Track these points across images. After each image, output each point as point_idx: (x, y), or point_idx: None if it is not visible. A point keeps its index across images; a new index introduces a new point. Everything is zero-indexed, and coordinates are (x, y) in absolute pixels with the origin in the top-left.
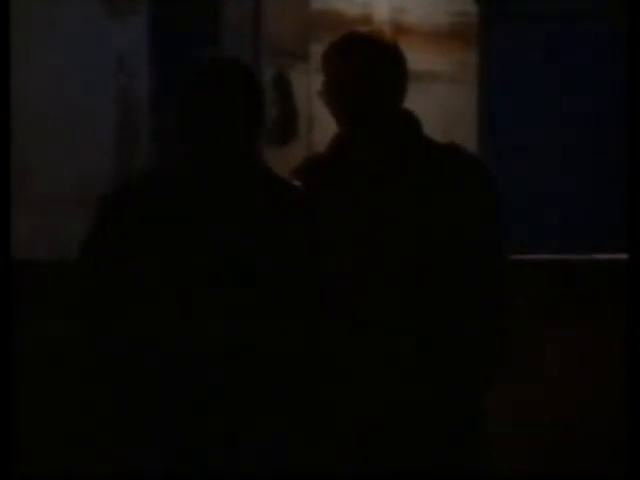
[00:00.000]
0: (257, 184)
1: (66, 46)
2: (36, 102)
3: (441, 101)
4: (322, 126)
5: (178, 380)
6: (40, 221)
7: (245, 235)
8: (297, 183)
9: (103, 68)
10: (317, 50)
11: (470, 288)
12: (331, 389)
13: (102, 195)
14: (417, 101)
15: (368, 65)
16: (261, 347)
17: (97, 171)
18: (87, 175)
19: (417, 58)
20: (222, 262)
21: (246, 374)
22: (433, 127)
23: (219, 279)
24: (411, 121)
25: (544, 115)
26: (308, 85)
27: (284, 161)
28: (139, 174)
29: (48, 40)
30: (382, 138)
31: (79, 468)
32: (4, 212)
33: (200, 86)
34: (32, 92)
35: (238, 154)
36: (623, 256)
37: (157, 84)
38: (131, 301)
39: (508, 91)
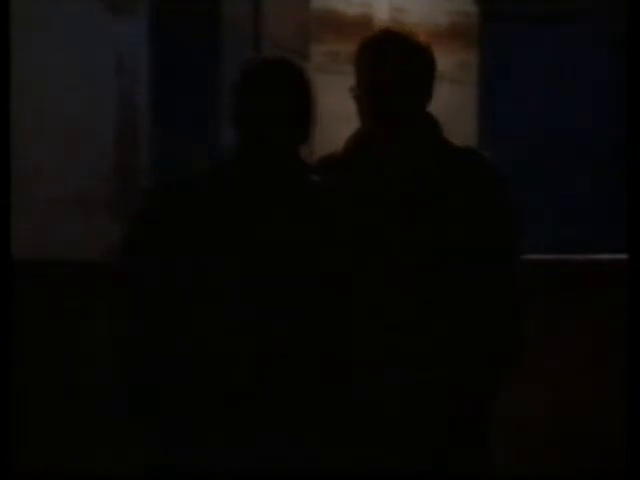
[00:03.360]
0: (298, 184)
1: (66, 46)
2: (36, 102)
3: (441, 101)
4: (322, 126)
5: (234, 377)
6: (40, 221)
7: (288, 232)
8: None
9: (103, 68)
10: (317, 50)
11: (486, 289)
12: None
13: (147, 191)
14: None
15: (404, 65)
16: (303, 345)
17: (97, 172)
18: (87, 175)
19: None
20: (265, 258)
21: (299, 371)
22: None
23: (264, 275)
24: (430, 122)
25: (544, 115)
26: None
27: None
28: (183, 171)
29: (48, 40)
30: (402, 138)
31: (79, 468)
32: (4, 212)
33: (249, 85)
34: (32, 92)
35: (284, 153)
36: (623, 256)
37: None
38: (178, 299)
39: (508, 91)
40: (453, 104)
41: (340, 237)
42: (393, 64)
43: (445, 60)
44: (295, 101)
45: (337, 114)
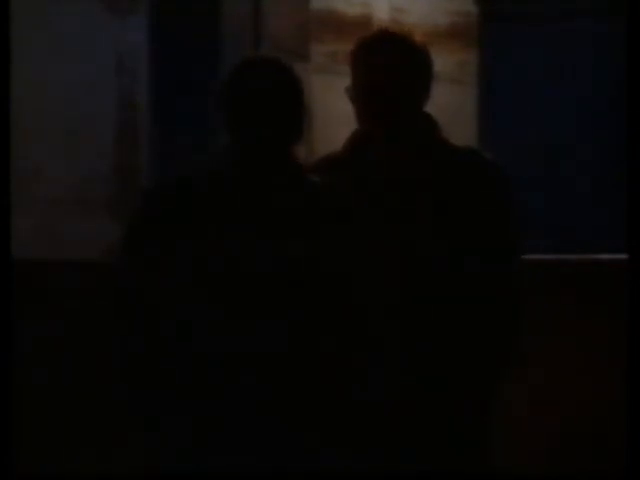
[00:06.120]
0: (297, 184)
1: (66, 46)
2: (36, 102)
3: (441, 101)
4: (322, 126)
5: (234, 378)
6: (40, 221)
7: (288, 235)
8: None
9: (103, 68)
10: (317, 50)
11: (487, 289)
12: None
13: (146, 190)
14: None
15: (401, 65)
16: (302, 347)
17: (97, 171)
18: (87, 175)
19: None
20: (263, 261)
21: (292, 373)
22: None
23: (261, 277)
24: (429, 122)
25: (544, 115)
26: (308, 85)
27: None
28: (182, 171)
29: (48, 40)
30: (401, 138)
31: (79, 468)
32: (4, 212)
33: (242, 86)
34: (32, 93)
35: (280, 154)
36: (623, 256)
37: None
38: (171, 299)
39: (508, 91)
40: (453, 104)
41: (339, 237)
42: (389, 64)
43: (445, 60)
44: (287, 101)
45: (337, 114)
